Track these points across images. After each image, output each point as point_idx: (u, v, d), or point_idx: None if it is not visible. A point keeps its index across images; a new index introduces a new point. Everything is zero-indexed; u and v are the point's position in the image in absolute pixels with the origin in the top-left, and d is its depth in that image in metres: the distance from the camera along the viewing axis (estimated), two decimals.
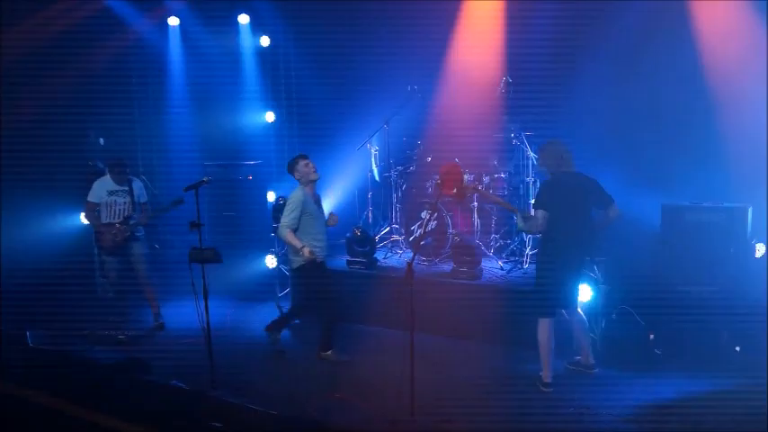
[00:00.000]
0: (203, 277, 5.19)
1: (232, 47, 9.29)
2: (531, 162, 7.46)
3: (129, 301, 7.61)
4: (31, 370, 4.37)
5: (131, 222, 7.14)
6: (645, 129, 7.28)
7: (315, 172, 6.16)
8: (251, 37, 9.24)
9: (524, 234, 7.54)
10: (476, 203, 7.60)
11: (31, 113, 8.48)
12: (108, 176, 7.22)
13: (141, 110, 10.08)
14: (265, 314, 7.76)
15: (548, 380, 5.51)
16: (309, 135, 9.00)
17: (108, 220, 7.12)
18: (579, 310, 5.85)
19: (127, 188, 7.19)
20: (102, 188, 7.17)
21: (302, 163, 6.13)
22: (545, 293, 5.55)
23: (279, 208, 7.85)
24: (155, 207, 7.50)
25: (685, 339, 6.21)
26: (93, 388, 3.93)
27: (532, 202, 5.38)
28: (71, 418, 3.37)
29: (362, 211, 8.59)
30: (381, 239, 8.29)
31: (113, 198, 7.18)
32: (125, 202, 7.16)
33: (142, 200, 7.29)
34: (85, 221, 7.63)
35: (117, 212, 7.16)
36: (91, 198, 7.16)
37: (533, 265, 7.27)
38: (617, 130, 7.34)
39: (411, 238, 7.78)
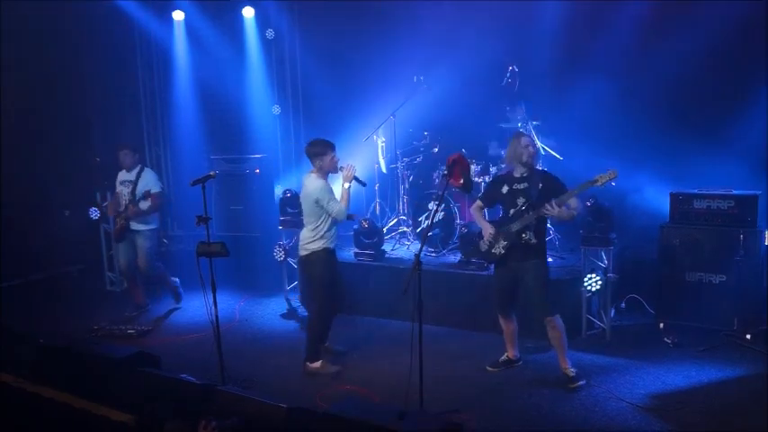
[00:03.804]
0: (211, 271, 5.20)
1: (237, 40, 9.28)
2: (538, 152, 7.41)
3: (140, 293, 7.70)
4: (41, 365, 4.39)
5: (127, 212, 7.23)
6: (653, 116, 7.23)
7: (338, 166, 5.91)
8: (256, 29, 9.22)
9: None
10: None
11: (36, 108, 8.52)
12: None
13: (147, 104, 10.11)
14: (274, 307, 7.80)
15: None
16: (315, 127, 8.99)
17: (120, 209, 7.29)
18: None
19: (133, 178, 7.25)
20: (119, 177, 7.39)
21: (332, 154, 5.80)
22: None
23: (286, 201, 7.86)
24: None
25: (695, 328, 6.19)
26: (102, 382, 3.94)
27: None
28: (80, 411, 3.39)
29: (370, 203, 8.57)
30: (389, 231, 8.28)
31: (121, 188, 7.34)
32: (128, 192, 7.25)
33: (152, 190, 7.24)
34: None
35: (122, 202, 7.29)
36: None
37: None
38: (625, 118, 7.28)
39: (418, 230, 7.77)
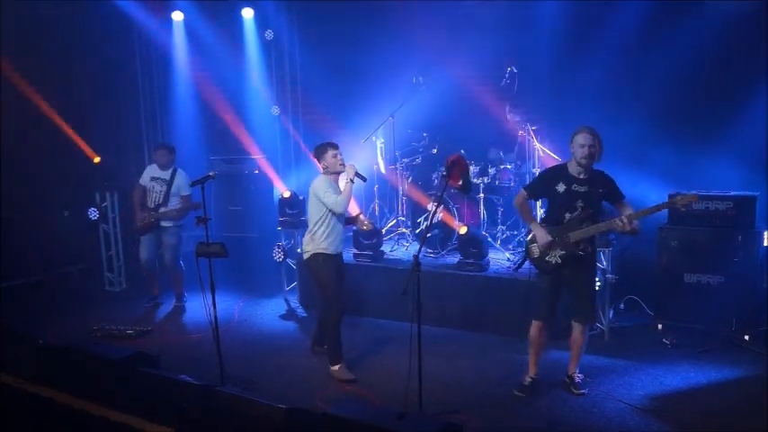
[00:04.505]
0: (210, 272, 5.20)
1: (236, 40, 9.28)
2: (536, 153, 7.42)
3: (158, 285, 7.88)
4: (40, 365, 4.39)
5: (160, 211, 7.47)
6: (652, 116, 7.23)
7: (342, 164, 5.80)
8: (255, 30, 9.23)
9: None
10: (482, 195, 7.57)
11: (36, 108, 8.51)
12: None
13: (146, 104, 10.11)
14: (273, 307, 7.81)
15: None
16: (314, 128, 9.01)
17: (149, 205, 7.54)
18: None
19: (167, 177, 7.52)
20: (148, 172, 7.65)
21: (331, 153, 5.75)
22: None
23: (285, 202, 7.87)
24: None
25: (694, 329, 6.20)
26: (102, 382, 3.95)
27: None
28: (79, 411, 3.40)
29: (369, 204, 8.58)
30: (388, 232, 8.28)
31: (152, 184, 7.57)
32: (161, 191, 7.51)
33: (183, 192, 7.53)
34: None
35: (153, 199, 7.55)
36: (140, 180, 7.67)
37: None
38: (624, 118, 7.28)
39: (417, 231, 7.77)
